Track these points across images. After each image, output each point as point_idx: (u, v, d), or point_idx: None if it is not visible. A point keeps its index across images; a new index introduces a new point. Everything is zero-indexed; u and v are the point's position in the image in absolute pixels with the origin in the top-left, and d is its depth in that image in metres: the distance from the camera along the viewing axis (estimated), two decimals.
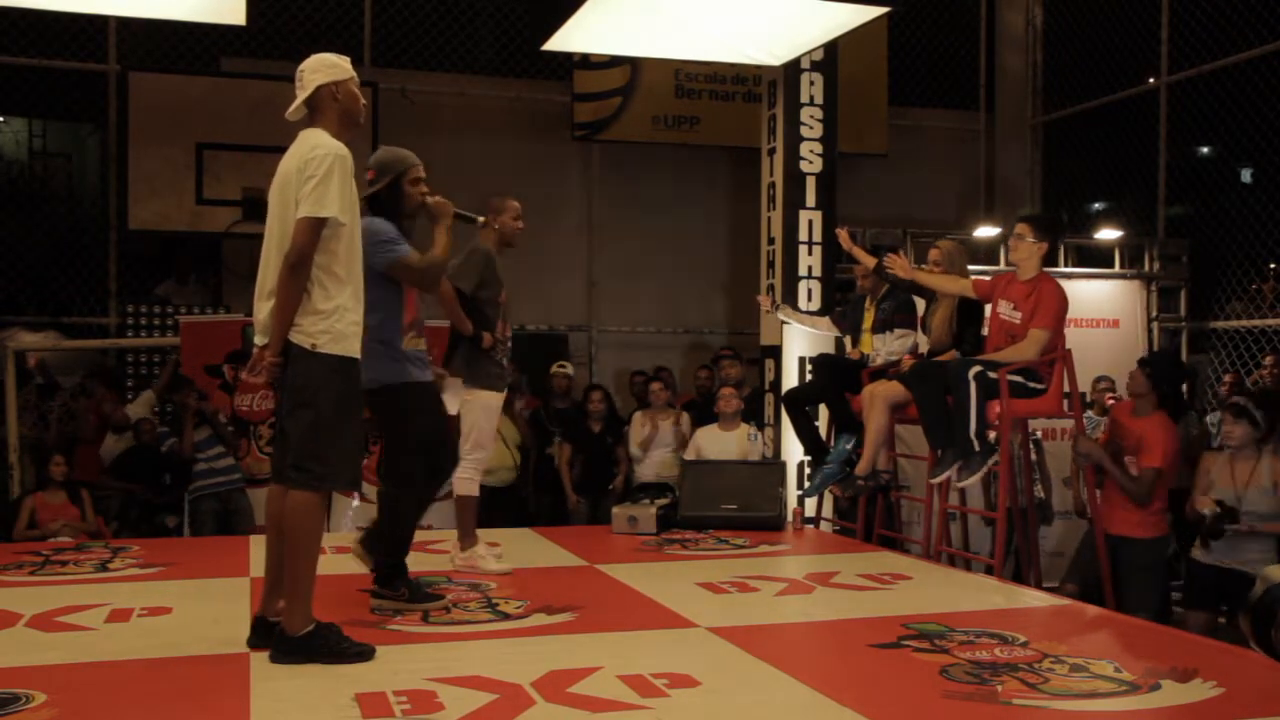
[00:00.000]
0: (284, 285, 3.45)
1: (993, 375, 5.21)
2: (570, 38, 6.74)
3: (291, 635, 3.48)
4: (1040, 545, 6.25)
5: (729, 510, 6.38)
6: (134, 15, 7.22)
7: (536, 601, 4.37)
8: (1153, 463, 5.30)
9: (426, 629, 4.01)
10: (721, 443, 7.04)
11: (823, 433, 6.62)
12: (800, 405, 6.53)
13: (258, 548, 4.46)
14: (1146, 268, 8.58)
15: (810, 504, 6.89)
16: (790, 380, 7.19)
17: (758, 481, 6.52)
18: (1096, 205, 10.90)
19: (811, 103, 7.33)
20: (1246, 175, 10.37)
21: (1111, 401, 7.02)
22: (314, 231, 3.44)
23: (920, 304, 6.18)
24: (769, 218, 7.49)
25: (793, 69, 7.25)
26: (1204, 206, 9.31)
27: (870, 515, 6.46)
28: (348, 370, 3.54)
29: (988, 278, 5.77)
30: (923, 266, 6.11)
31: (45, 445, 7.32)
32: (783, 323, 7.24)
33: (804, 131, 7.32)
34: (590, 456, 7.69)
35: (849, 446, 6.24)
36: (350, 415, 3.57)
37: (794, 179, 7.32)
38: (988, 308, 5.70)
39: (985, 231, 8.55)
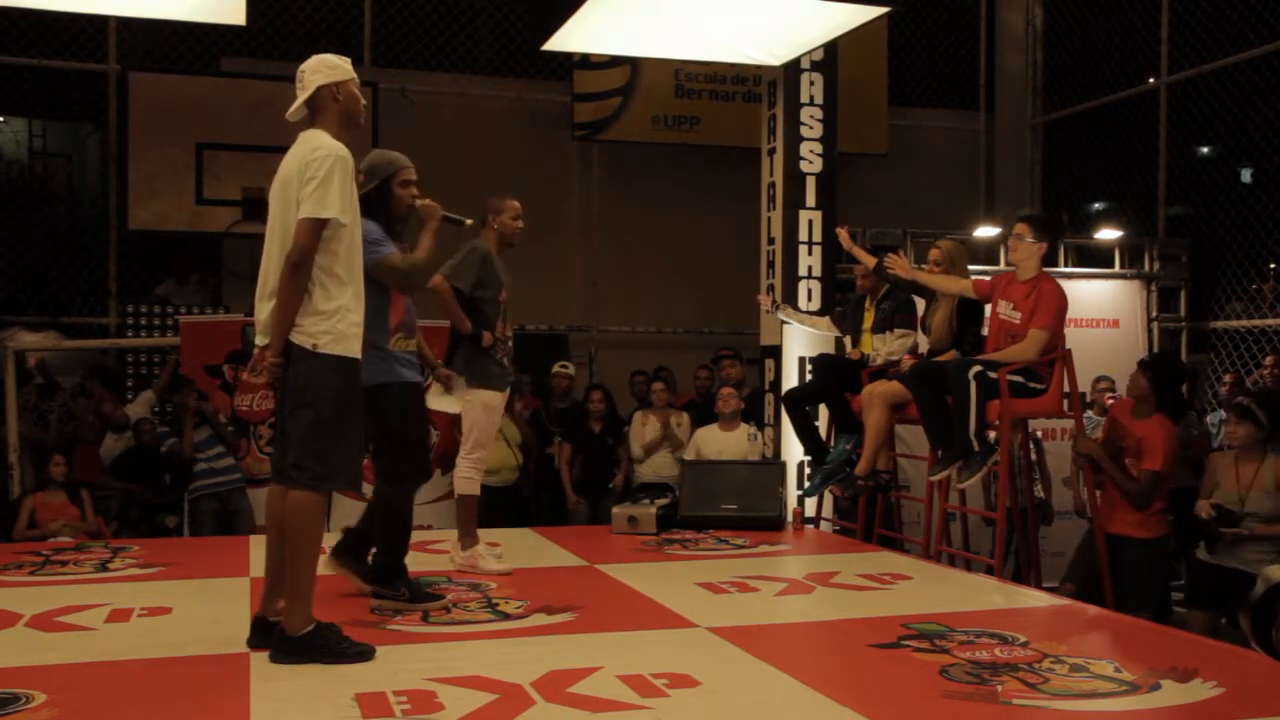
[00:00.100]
0: (285, 286, 3.46)
1: (993, 375, 5.21)
2: (570, 38, 6.74)
3: (291, 635, 3.48)
4: (1040, 545, 6.25)
5: (729, 510, 6.38)
6: (134, 15, 7.23)
7: (536, 601, 4.37)
8: (1152, 466, 5.29)
9: (426, 629, 4.00)
10: (721, 443, 7.05)
11: (823, 433, 6.62)
12: (800, 405, 6.53)
13: (258, 548, 4.46)
14: (1146, 268, 8.58)
15: (810, 504, 6.89)
16: (790, 380, 7.19)
17: (758, 481, 6.52)
18: (1096, 205, 10.90)
19: (811, 103, 7.33)
20: (1246, 175, 10.36)
21: (1111, 401, 7.02)
22: (315, 232, 3.44)
23: (920, 304, 6.18)
24: (769, 218, 7.49)
25: (793, 69, 7.25)
26: (1204, 206, 9.31)
27: (870, 515, 6.45)
28: (349, 370, 3.55)
29: (988, 278, 5.76)
30: (923, 266, 6.11)
31: (45, 445, 7.32)
32: (783, 323, 7.24)
33: (804, 131, 7.31)
34: (590, 456, 7.69)
35: (849, 446, 6.25)
36: (351, 415, 3.57)
37: (794, 179, 7.32)
38: (988, 308, 5.70)
39: (985, 231, 8.55)
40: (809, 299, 7.30)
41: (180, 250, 9.10)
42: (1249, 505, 5.01)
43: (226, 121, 8.20)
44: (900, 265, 5.85)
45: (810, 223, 7.33)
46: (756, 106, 8.10)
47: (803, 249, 7.32)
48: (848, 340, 6.64)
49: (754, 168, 7.74)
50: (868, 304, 6.40)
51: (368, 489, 4.53)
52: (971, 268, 6.19)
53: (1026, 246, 5.37)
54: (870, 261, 6.27)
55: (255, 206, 7.87)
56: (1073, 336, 5.98)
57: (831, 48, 7.20)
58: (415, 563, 4.69)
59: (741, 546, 5.86)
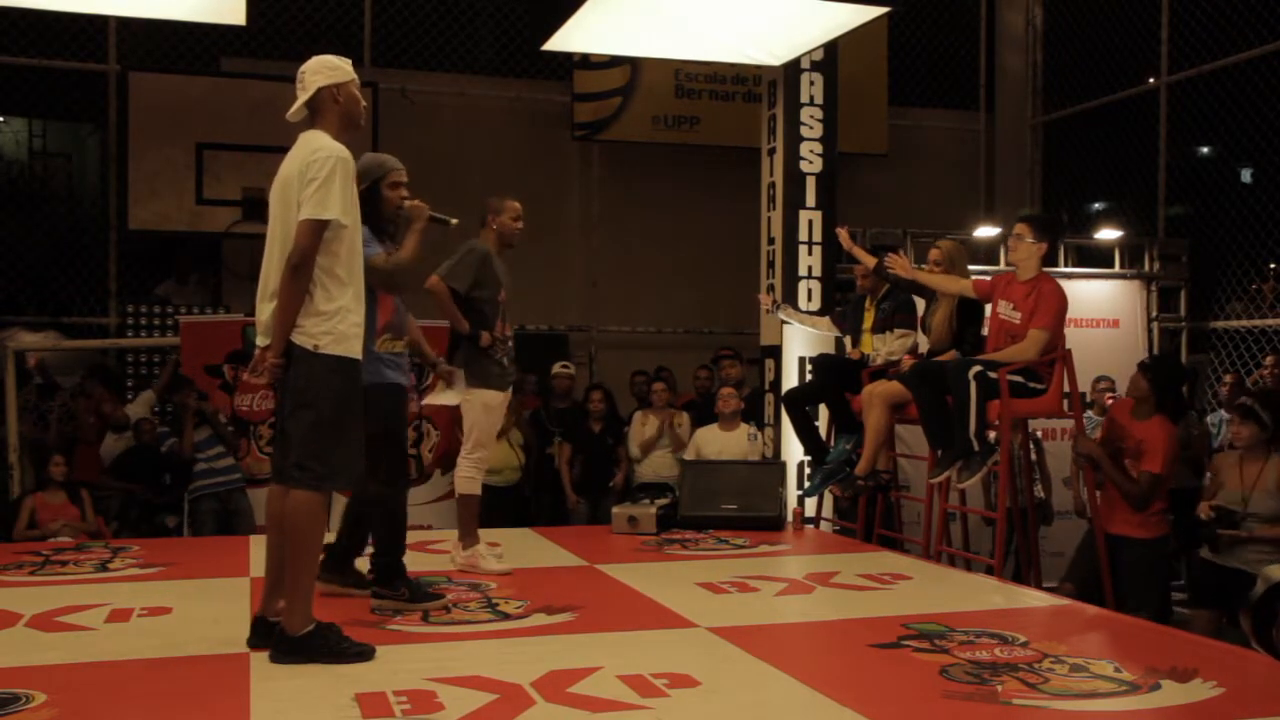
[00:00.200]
0: (286, 287, 3.46)
1: (993, 375, 5.21)
2: (570, 38, 6.74)
3: (291, 635, 3.48)
4: (1040, 545, 6.25)
5: (729, 510, 6.38)
6: (134, 15, 7.23)
7: (536, 601, 4.37)
8: (1152, 468, 5.29)
9: (426, 629, 4.01)
10: (721, 443, 7.05)
11: (823, 433, 6.62)
12: (800, 405, 6.53)
13: (258, 548, 4.46)
14: (1146, 268, 8.58)
15: (810, 504, 6.89)
16: (790, 380, 7.19)
17: (758, 481, 6.52)
18: (1096, 205, 10.90)
19: (811, 103, 7.33)
20: (1246, 175, 10.37)
21: (1111, 401, 7.02)
22: (316, 234, 3.45)
23: (920, 304, 6.18)
24: (769, 218, 7.49)
25: (793, 69, 7.25)
26: (1204, 206, 9.31)
27: (870, 515, 6.45)
28: (349, 371, 3.56)
29: (988, 278, 5.77)
30: (923, 266, 6.10)
31: (45, 445, 7.32)
32: (783, 322, 7.24)
33: (804, 131, 7.31)
34: (590, 456, 7.69)
35: (849, 446, 6.25)
36: (352, 416, 3.58)
37: (794, 179, 7.31)
38: (988, 308, 5.70)
39: (985, 231, 8.55)
40: (809, 299, 7.30)
41: (180, 250, 9.10)
42: (1252, 506, 5.01)
43: (226, 121, 8.20)
44: (901, 265, 5.85)
45: (810, 223, 7.33)
46: (756, 106, 8.10)
47: (803, 249, 7.32)
48: (848, 340, 6.64)
49: (754, 168, 7.74)
50: (868, 304, 6.40)
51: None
52: (971, 268, 6.19)
53: (1026, 247, 5.37)
54: (870, 261, 6.27)
55: (255, 206, 7.87)
56: (1073, 336, 5.97)
57: (831, 48, 7.19)
58: (415, 563, 4.69)
59: (741, 546, 5.86)
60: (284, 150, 3.64)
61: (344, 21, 9.21)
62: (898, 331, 6.13)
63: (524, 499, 7.71)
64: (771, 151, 7.46)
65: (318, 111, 3.64)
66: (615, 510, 6.34)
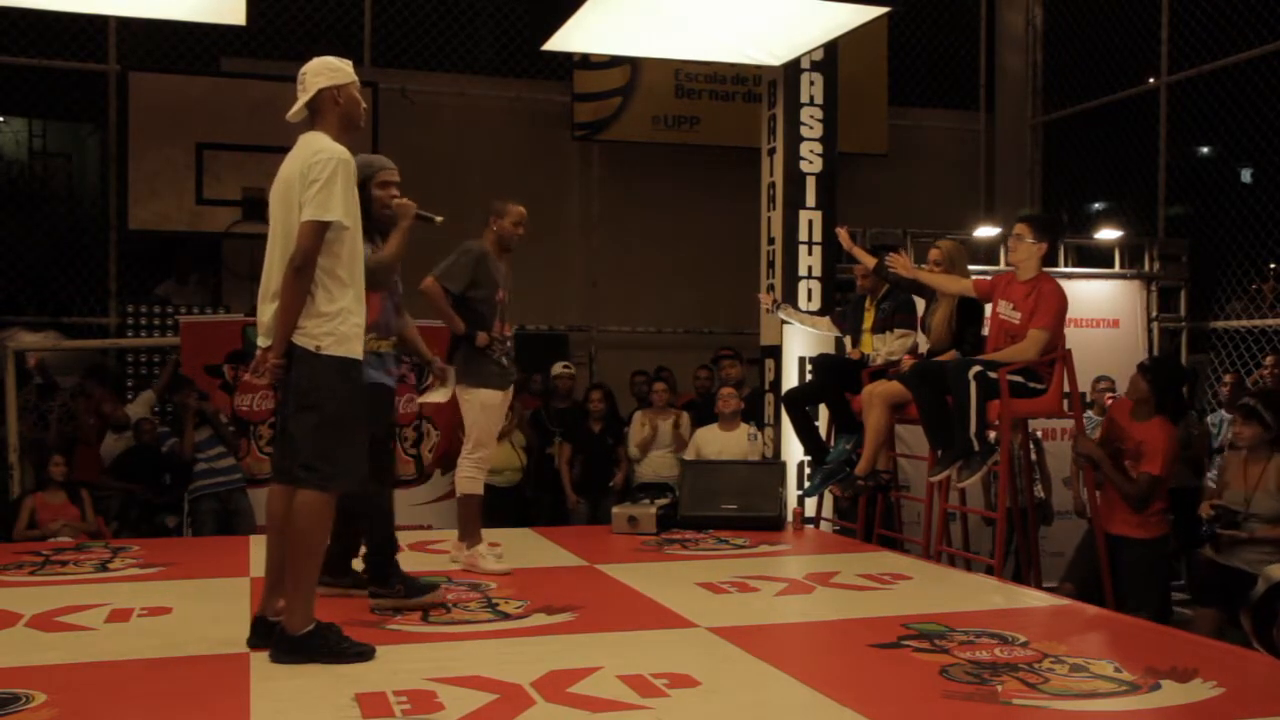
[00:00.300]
0: (288, 288, 3.47)
1: (993, 375, 5.21)
2: (570, 38, 6.74)
3: (292, 634, 3.49)
4: (1040, 545, 6.25)
5: (729, 510, 6.38)
6: (134, 15, 7.22)
7: (536, 601, 4.37)
8: (1151, 469, 5.29)
9: (426, 629, 4.01)
10: (721, 443, 7.05)
11: (823, 433, 6.62)
12: (800, 405, 6.53)
13: (258, 548, 4.46)
14: (1146, 268, 8.58)
15: (810, 504, 6.89)
16: (790, 380, 7.19)
17: (758, 481, 6.52)
18: (1096, 205, 10.90)
19: (811, 103, 7.32)
20: (1246, 175, 10.36)
21: (1111, 401, 7.02)
22: (318, 235, 3.46)
23: (920, 304, 6.18)
24: (769, 218, 7.49)
25: (793, 69, 7.25)
26: (1204, 206, 9.31)
27: (870, 515, 6.45)
28: (351, 371, 3.58)
29: (988, 278, 5.77)
30: (923, 266, 6.10)
31: (45, 445, 7.32)
32: (783, 322, 7.24)
33: (804, 131, 7.31)
34: (590, 456, 7.69)
35: (849, 446, 6.24)
36: (355, 416, 3.60)
37: (794, 179, 7.31)
38: (988, 308, 5.70)
39: (985, 231, 8.55)
40: (809, 299, 7.30)
41: (180, 250, 9.10)
42: (1253, 506, 5.00)
43: (226, 121, 8.20)
44: (901, 264, 5.85)
45: (810, 223, 7.33)
46: (756, 106, 8.10)
47: (803, 249, 7.32)
48: (848, 340, 6.64)
49: (754, 168, 7.74)
50: (868, 304, 6.40)
51: None
52: (971, 268, 6.19)
53: (1026, 247, 5.37)
54: (870, 261, 6.27)
55: (255, 206, 7.87)
56: (1073, 336, 5.98)
57: (831, 48, 7.19)
58: (415, 563, 4.69)
59: (741, 546, 5.86)
60: (284, 150, 3.65)
61: (344, 21, 9.21)
62: (898, 331, 6.13)
63: (525, 500, 7.71)
64: (771, 151, 7.46)
65: (318, 113, 3.64)
66: (615, 510, 6.34)
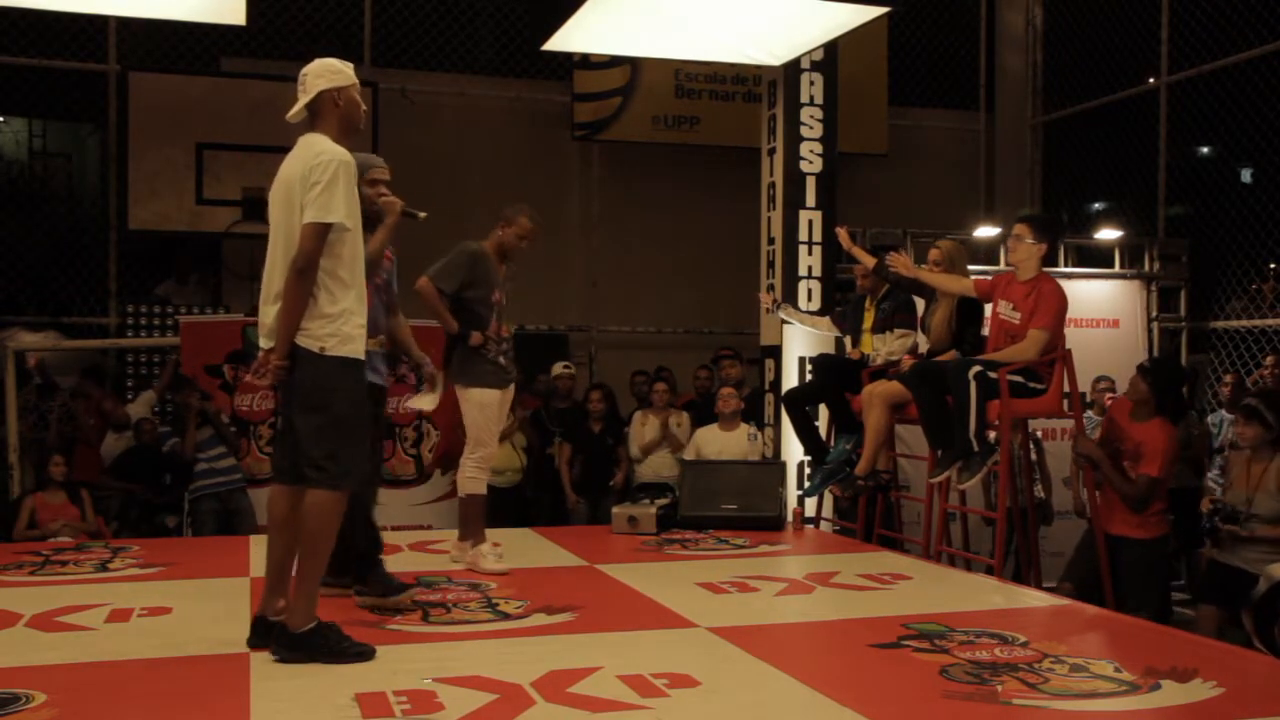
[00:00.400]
0: (291, 290, 3.48)
1: (993, 375, 5.20)
2: (570, 38, 6.74)
3: (293, 631, 3.50)
4: (1040, 545, 6.25)
5: (729, 510, 6.38)
6: (134, 15, 7.22)
7: (536, 601, 4.37)
8: (1150, 471, 5.28)
9: (426, 629, 4.01)
10: (721, 443, 7.05)
11: (823, 433, 6.62)
12: (800, 405, 6.53)
13: (258, 548, 4.46)
14: (1146, 268, 8.58)
15: (810, 504, 6.89)
16: (790, 380, 7.19)
17: (758, 481, 6.51)
18: (1096, 205, 10.90)
19: (811, 103, 7.32)
20: (1246, 175, 10.36)
21: (1110, 401, 7.02)
22: (320, 237, 3.47)
23: (920, 304, 6.18)
24: (769, 218, 7.49)
25: (793, 69, 7.25)
26: (1204, 206, 9.31)
27: (870, 515, 6.45)
28: (355, 372, 3.60)
29: (988, 277, 5.77)
30: (923, 266, 6.10)
31: (45, 445, 7.32)
32: (783, 322, 7.24)
33: (804, 131, 7.31)
34: (590, 456, 7.69)
35: (849, 446, 6.24)
36: (359, 415, 3.62)
37: (794, 179, 7.31)
38: (988, 308, 5.70)
39: (985, 231, 8.55)
40: (809, 299, 7.30)
41: (180, 250, 9.10)
42: (1254, 506, 5.01)
43: (226, 121, 8.20)
44: (902, 263, 5.85)
45: (810, 223, 7.33)
46: (756, 106, 8.10)
47: (803, 249, 7.32)
48: (848, 340, 6.64)
49: (754, 168, 7.74)
50: (868, 304, 6.40)
51: None
52: (971, 268, 6.19)
53: (1026, 247, 5.37)
54: (870, 261, 6.27)
55: (255, 206, 7.86)
56: (1073, 336, 5.98)
57: (831, 48, 7.19)
58: (416, 562, 4.70)
59: (741, 546, 5.86)
60: (284, 150, 3.65)
61: (344, 21, 9.21)
62: (898, 331, 6.13)
63: (525, 500, 7.71)
64: (771, 151, 7.46)
65: (318, 114, 3.65)
66: (615, 510, 6.34)
